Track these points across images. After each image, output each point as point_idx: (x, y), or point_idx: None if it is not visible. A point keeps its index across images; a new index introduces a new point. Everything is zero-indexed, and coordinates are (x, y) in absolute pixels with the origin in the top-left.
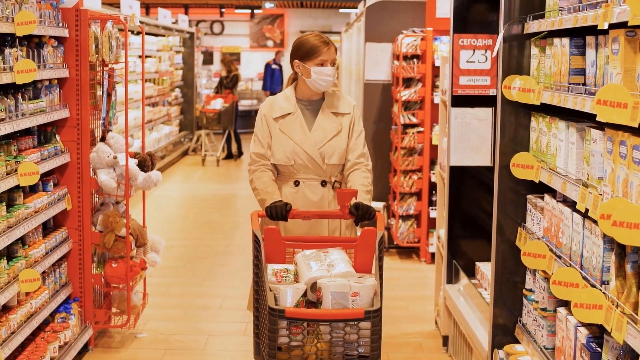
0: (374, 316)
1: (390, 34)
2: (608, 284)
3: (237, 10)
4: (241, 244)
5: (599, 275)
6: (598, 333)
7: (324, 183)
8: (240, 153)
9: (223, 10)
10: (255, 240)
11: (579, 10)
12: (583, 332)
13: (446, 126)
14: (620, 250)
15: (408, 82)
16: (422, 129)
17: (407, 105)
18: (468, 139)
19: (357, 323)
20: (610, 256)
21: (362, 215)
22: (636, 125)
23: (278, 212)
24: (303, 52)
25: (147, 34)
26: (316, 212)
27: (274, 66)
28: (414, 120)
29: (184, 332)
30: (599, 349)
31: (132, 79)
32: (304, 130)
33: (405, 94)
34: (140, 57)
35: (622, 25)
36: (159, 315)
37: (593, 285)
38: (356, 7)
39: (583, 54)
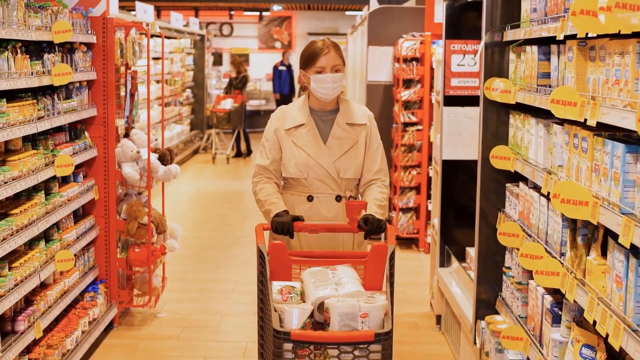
0: (385, 339)
1: (392, 38)
2: (565, 255)
3: (245, 13)
4: (250, 236)
5: (559, 249)
6: (560, 300)
7: (338, 198)
8: (249, 151)
9: (232, 12)
10: (260, 256)
11: (545, 23)
12: (548, 299)
13: (440, 124)
14: (574, 226)
15: (408, 83)
16: (420, 127)
17: (407, 105)
18: (459, 135)
19: (367, 346)
20: (567, 232)
21: (370, 229)
22: (582, 120)
23: (284, 228)
24: (303, 60)
25: (153, 35)
26: (323, 225)
27: (280, 67)
28: (414, 119)
29: (199, 312)
30: (559, 312)
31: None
32: (318, 143)
33: (405, 95)
34: (154, 59)
35: (575, 36)
36: (177, 297)
37: (554, 257)
38: (361, 10)
39: (549, 60)
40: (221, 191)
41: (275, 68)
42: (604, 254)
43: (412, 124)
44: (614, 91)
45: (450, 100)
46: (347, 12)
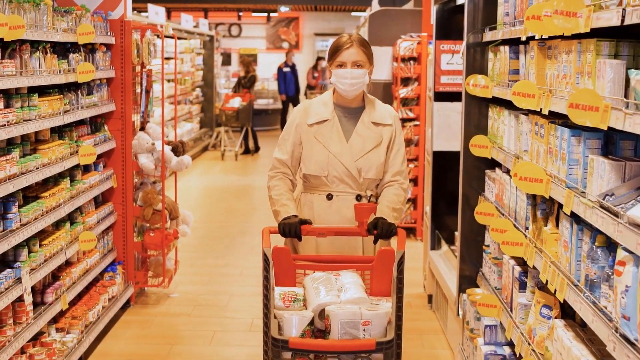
0: (387, 347)
1: (391, 39)
2: (529, 228)
3: (253, 14)
4: (257, 226)
5: (524, 223)
6: (526, 269)
7: (359, 197)
8: (257, 148)
9: (240, 13)
10: (265, 260)
11: (514, 25)
12: (517, 269)
13: (431, 118)
14: (535, 202)
15: (406, 81)
16: (418, 123)
17: (405, 102)
18: (449, 128)
19: (369, 355)
20: (530, 208)
21: (380, 233)
22: (539, 110)
23: (291, 229)
24: (329, 54)
25: (167, 36)
26: (332, 229)
27: (285, 69)
28: (411, 115)
29: (209, 293)
30: (525, 280)
31: (159, 79)
32: (341, 140)
33: (403, 92)
34: (166, 59)
35: (534, 37)
36: (188, 280)
37: (519, 230)
38: (365, 11)
39: (518, 58)
40: (230, 186)
41: (279, 70)
42: (558, 225)
43: (410, 120)
44: (563, 84)
45: (440, 96)
46: (353, 13)
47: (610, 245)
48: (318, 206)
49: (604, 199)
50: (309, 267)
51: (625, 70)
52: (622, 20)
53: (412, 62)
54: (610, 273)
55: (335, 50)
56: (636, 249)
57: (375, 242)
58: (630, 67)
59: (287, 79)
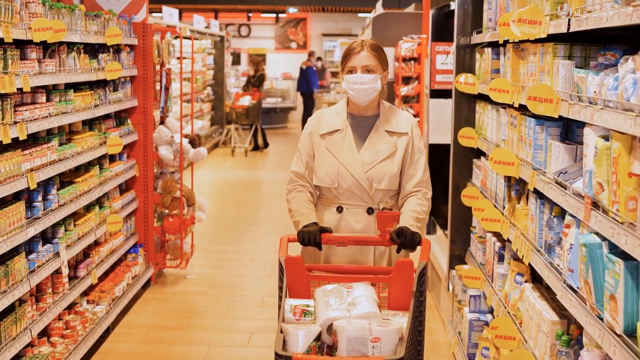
0: None
1: (393, 40)
2: (505, 207)
3: (263, 15)
4: (266, 217)
5: (502, 203)
6: (505, 244)
7: (370, 210)
8: (265, 145)
9: (250, 14)
10: (281, 270)
11: (495, 30)
12: (497, 244)
13: (427, 113)
14: (510, 184)
15: (407, 80)
16: (418, 119)
17: (406, 99)
18: (443, 123)
19: None
20: (507, 189)
21: (404, 242)
22: (512, 103)
23: (311, 238)
24: (341, 60)
25: (184, 37)
26: (352, 238)
27: (314, 67)
28: (412, 111)
29: (223, 275)
30: (503, 253)
31: (174, 78)
32: (352, 150)
33: (404, 90)
34: (179, 58)
35: (509, 41)
36: (203, 264)
37: (497, 209)
38: (371, 12)
39: (498, 58)
40: (240, 180)
41: (310, 68)
42: (528, 202)
43: None
44: (530, 81)
45: (436, 93)
46: (359, 14)
47: (564, 215)
48: (328, 218)
49: (558, 176)
50: (323, 279)
51: (573, 69)
52: (568, 28)
53: (412, 62)
54: (561, 237)
55: (345, 56)
56: (577, 213)
57: (398, 251)
58: (582, 66)
59: (315, 76)
